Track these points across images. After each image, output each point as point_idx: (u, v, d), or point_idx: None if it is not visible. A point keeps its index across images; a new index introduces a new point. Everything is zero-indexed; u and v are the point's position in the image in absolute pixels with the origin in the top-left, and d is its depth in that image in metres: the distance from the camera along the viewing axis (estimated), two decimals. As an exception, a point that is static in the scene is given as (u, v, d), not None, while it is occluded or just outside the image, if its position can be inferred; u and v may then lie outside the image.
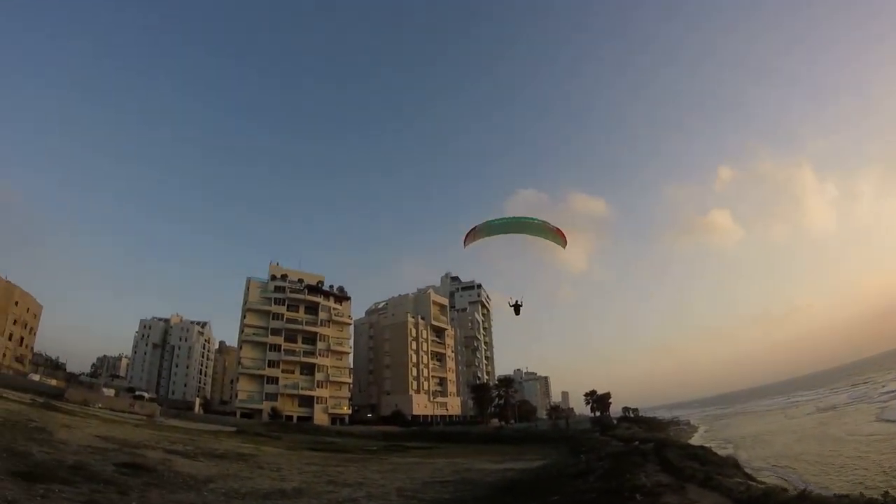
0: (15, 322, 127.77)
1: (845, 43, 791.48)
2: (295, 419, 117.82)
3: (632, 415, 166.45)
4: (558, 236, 31.70)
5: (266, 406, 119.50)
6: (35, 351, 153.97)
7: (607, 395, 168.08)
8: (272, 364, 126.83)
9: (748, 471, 33.84)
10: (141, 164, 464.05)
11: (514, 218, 32.30)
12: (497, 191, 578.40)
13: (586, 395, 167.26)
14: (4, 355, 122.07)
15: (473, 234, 31.88)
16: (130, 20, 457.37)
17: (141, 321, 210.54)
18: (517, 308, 35.40)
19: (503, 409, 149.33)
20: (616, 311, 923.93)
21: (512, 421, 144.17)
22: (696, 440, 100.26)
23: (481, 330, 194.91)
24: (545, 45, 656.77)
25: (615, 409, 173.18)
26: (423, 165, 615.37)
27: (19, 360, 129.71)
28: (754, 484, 21.22)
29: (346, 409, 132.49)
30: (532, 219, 32.06)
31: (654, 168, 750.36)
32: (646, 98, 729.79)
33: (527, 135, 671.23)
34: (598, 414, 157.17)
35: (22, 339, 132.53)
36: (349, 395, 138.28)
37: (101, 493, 15.83)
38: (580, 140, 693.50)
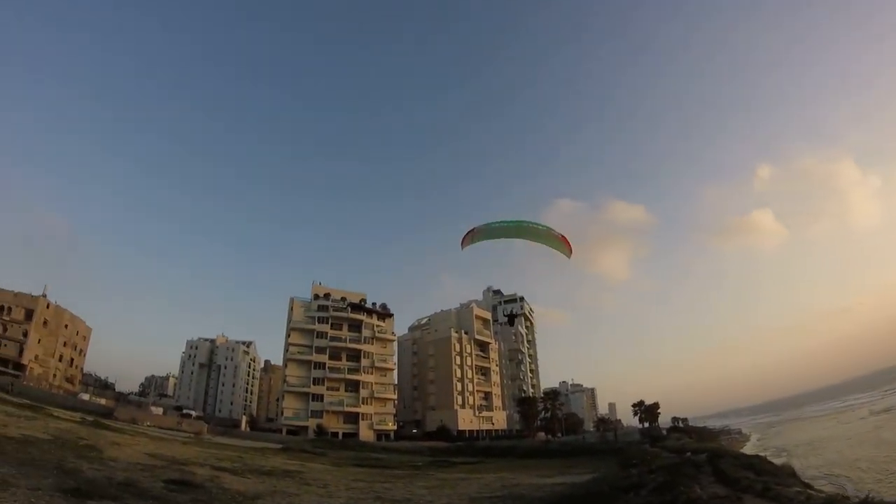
0: (65, 344, 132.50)
1: (876, 30, 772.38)
2: (340, 436, 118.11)
3: (681, 425, 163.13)
4: (563, 244, 30.02)
5: (311, 423, 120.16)
6: (85, 371, 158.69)
7: (656, 406, 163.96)
8: (317, 381, 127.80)
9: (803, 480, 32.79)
10: (184, 188, 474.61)
11: (516, 221, 30.64)
12: (534, 203, 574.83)
13: (634, 405, 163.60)
14: (55, 376, 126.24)
15: (472, 236, 30.51)
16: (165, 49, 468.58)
17: (187, 342, 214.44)
18: (511, 318, 35.04)
19: (550, 422, 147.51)
20: (661, 318, 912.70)
21: (559, 434, 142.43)
22: (748, 449, 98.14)
23: (525, 343, 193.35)
24: (577, 53, 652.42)
25: (664, 420, 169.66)
26: (457, 181, 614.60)
27: (69, 380, 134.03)
28: (814, 493, 20.44)
29: (391, 425, 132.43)
30: (536, 224, 30.51)
31: (693, 171, 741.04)
32: (681, 101, 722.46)
33: (562, 144, 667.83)
34: (646, 425, 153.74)
35: (72, 360, 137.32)
36: (394, 411, 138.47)
37: (150, 511, 15.89)
38: (616, 147, 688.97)
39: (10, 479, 15.60)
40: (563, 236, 29.69)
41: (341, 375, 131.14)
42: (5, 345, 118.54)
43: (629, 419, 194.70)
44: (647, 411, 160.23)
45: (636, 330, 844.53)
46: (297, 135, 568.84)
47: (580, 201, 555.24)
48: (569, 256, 30.18)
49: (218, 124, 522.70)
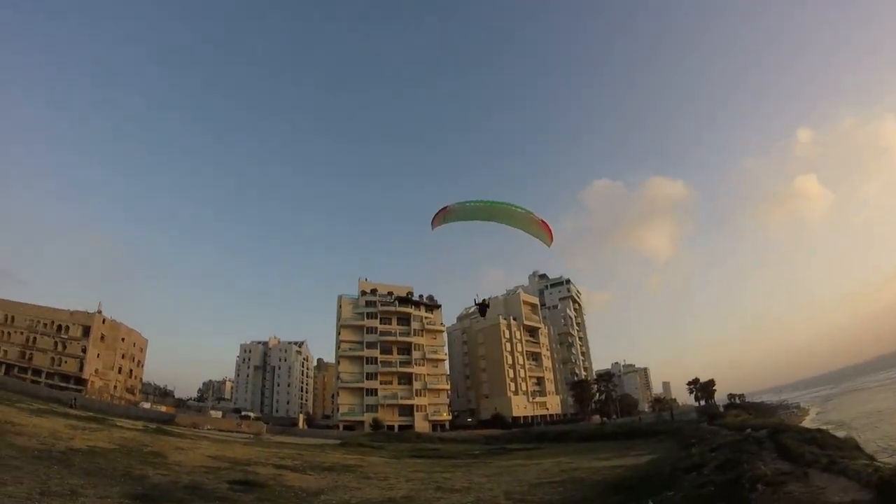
0: (123, 356, 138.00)
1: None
2: (396, 428, 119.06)
3: (738, 401, 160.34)
4: (543, 230, 27.40)
5: (367, 417, 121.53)
6: (144, 381, 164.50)
7: (711, 383, 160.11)
8: (370, 376, 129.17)
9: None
10: (227, 196, 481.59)
11: (490, 202, 27.82)
12: (570, 183, 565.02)
13: (689, 383, 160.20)
14: (116, 387, 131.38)
15: (444, 215, 27.88)
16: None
17: (241, 346, 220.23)
18: (483, 308, 33.03)
19: (604, 404, 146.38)
20: (709, 294, 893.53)
21: (614, 416, 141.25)
22: (808, 423, 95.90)
23: (574, 326, 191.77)
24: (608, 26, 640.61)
25: (720, 397, 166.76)
26: (493, 167, 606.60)
27: (130, 390, 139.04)
28: (881, 465, 19.98)
29: (445, 416, 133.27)
30: (513, 206, 27.55)
31: (731, 140, 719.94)
32: (713, 67, 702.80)
33: (597, 122, 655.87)
34: (702, 403, 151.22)
35: (131, 371, 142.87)
36: (448, 401, 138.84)
37: (216, 510, 16.27)
38: (651, 121, 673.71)
39: (79, 489, 16.09)
40: (543, 221, 27.47)
41: (393, 369, 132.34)
42: (66, 361, 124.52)
43: (684, 398, 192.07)
44: (702, 389, 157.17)
45: (686, 306, 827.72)
46: (339, 134, 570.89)
47: (618, 180, 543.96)
48: (549, 244, 28.06)
49: (261, 125, 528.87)
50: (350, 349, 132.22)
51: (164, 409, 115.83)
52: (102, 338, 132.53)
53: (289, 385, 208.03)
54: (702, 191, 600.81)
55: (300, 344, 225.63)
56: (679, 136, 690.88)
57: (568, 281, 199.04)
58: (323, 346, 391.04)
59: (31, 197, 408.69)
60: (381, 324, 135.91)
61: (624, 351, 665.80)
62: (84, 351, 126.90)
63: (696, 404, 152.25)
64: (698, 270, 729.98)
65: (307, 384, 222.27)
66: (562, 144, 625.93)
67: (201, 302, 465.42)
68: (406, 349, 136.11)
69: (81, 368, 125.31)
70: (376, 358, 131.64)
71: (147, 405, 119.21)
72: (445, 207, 27.49)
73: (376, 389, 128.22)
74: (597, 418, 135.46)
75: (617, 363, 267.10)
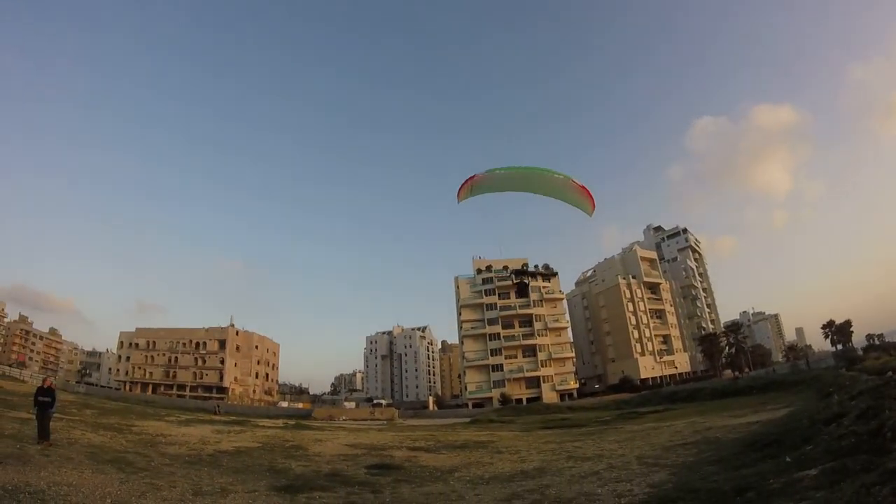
0: (258, 362, 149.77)
1: None
2: (524, 401, 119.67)
3: (877, 342, 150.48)
4: (584, 197, 24.53)
5: (495, 393, 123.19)
6: (280, 382, 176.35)
7: (847, 324, 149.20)
8: (494, 352, 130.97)
9: None
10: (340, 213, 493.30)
11: (526, 168, 25.04)
12: (671, 128, 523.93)
13: (823, 326, 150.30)
14: (254, 391, 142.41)
15: (471, 186, 25.15)
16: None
17: (367, 338, 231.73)
18: (523, 287, 30.57)
19: (735, 357, 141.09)
20: (838, 224, 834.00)
21: (746, 369, 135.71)
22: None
23: (696, 277, 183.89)
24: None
25: (857, 339, 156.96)
26: (584, 118, 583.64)
27: (268, 392, 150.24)
28: None
29: (573, 384, 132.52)
30: (550, 171, 24.71)
31: (833, 50, 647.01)
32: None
33: (680, 47, 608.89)
34: (839, 347, 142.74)
35: (267, 374, 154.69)
36: (574, 369, 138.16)
37: (357, 495, 16.96)
38: (746, 41, 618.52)
39: (229, 486, 17.19)
40: (583, 187, 24.62)
41: (517, 342, 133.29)
42: (206, 374, 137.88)
43: (819, 343, 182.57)
44: (838, 331, 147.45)
45: (813, 242, 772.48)
46: (441, 119, 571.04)
47: (720, 115, 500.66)
48: (590, 213, 25.14)
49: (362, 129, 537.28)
50: (472, 328, 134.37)
51: (301, 405, 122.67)
52: (237, 348, 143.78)
53: (416, 370, 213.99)
54: (811, 111, 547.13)
55: (423, 329, 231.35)
56: (778, 56, 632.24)
57: (685, 230, 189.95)
58: (445, 329, 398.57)
59: (165, 239, 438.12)
60: (499, 299, 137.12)
61: (753, 298, 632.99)
62: (222, 362, 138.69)
63: (833, 349, 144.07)
64: (822, 200, 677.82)
65: (434, 367, 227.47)
66: (651, 85, 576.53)
67: (326, 302, 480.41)
68: (527, 321, 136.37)
69: (221, 378, 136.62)
70: (498, 333, 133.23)
71: (285, 404, 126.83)
72: (472, 177, 25.17)
73: (501, 365, 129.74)
74: (729, 373, 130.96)
75: (745, 312, 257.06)
